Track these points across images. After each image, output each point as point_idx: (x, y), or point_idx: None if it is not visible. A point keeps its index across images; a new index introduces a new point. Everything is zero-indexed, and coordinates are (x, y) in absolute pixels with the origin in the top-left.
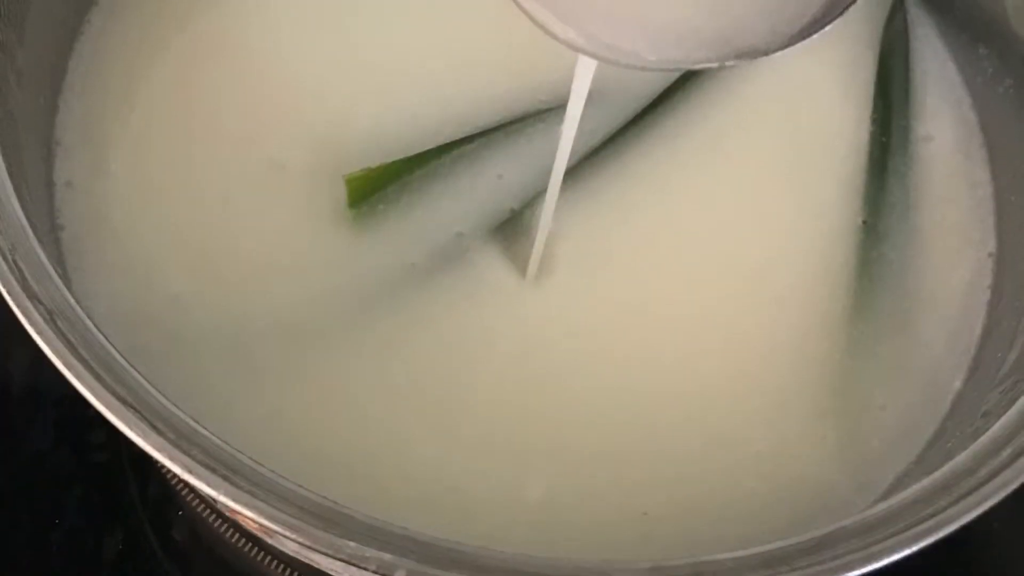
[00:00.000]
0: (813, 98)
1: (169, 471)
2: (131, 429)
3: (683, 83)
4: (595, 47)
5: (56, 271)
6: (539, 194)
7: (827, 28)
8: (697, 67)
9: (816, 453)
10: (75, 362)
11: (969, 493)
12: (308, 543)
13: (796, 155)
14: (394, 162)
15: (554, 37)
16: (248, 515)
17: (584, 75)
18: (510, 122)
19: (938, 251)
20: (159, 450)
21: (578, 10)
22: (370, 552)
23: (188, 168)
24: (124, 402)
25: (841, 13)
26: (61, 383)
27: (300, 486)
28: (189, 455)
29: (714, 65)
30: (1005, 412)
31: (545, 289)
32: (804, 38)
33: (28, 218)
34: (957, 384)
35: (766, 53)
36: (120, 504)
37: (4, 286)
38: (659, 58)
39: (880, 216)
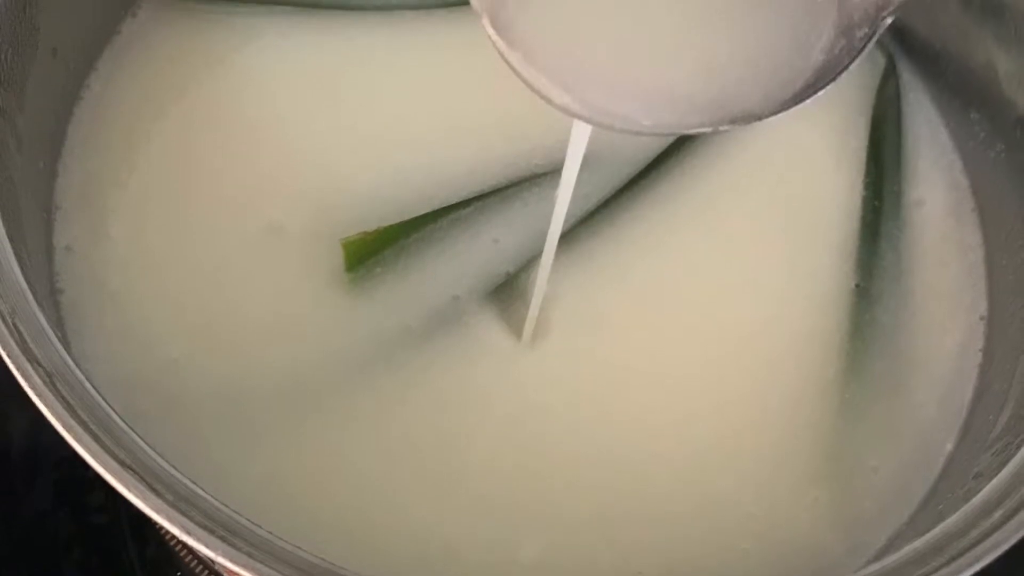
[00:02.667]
0: (806, 163)
1: (168, 532)
2: (130, 491)
3: (677, 148)
4: (590, 112)
5: (55, 334)
6: (534, 258)
7: (820, 93)
8: (691, 132)
9: (809, 515)
10: (74, 424)
11: (961, 554)
12: None
13: (789, 219)
14: (391, 226)
15: (549, 102)
16: None
17: (579, 140)
18: (505, 187)
19: (930, 314)
20: (158, 511)
21: (573, 76)
22: None
23: (186, 233)
24: (123, 464)
25: (834, 79)
26: (61, 445)
27: (297, 547)
28: (187, 516)
29: (708, 130)
30: (996, 474)
31: (540, 352)
32: (797, 103)
33: (28, 282)
34: (949, 446)
35: (760, 118)
36: (119, 565)
37: (4, 349)
38: (654, 123)
39: (873, 279)
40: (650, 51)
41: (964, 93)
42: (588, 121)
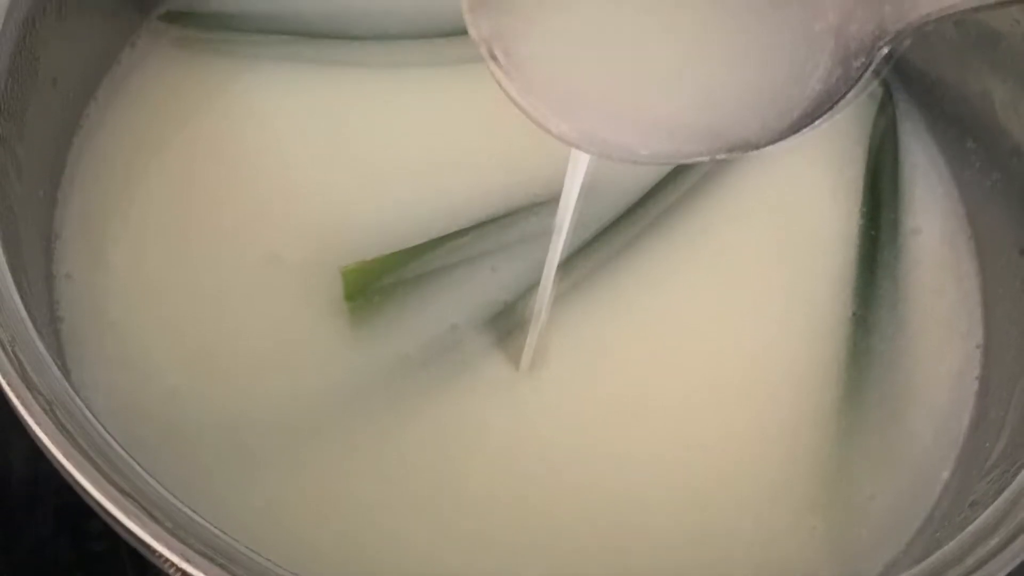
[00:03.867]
0: (804, 192)
1: (167, 560)
2: (129, 518)
3: (674, 177)
4: (587, 142)
5: (55, 362)
6: (532, 287)
7: (818, 123)
8: (689, 161)
9: (806, 543)
10: (74, 452)
11: None
12: None
13: (787, 248)
14: (390, 255)
15: (547, 132)
16: None
17: (577, 169)
18: (504, 215)
19: (927, 343)
20: (157, 539)
21: (571, 105)
22: None
23: (186, 262)
24: (122, 491)
25: (832, 108)
26: (60, 472)
27: (296, 575)
28: (187, 544)
29: (706, 159)
30: (993, 502)
31: (538, 381)
32: (795, 132)
33: (28, 310)
34: (945, 474)
35: (757, 147)
36: None
37: (4, 377)
38: (651, 152)
39: (870, 308)
40: (647, 81)
41: (960, 122)
42: (586, 150)
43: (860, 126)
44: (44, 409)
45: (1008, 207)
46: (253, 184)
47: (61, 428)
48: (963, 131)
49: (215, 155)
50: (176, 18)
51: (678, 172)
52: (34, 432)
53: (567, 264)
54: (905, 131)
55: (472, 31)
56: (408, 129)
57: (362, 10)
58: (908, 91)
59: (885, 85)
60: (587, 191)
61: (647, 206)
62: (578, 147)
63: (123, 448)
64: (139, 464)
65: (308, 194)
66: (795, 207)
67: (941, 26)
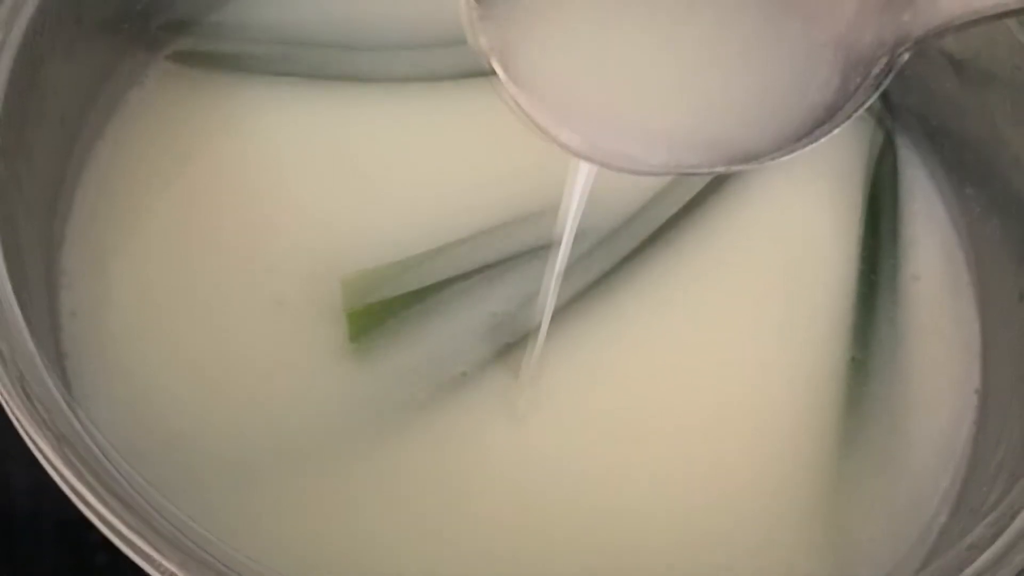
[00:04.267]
0: (804, 236)
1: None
2: (136, 554)
3: (674, 221)
4: (591, 151)
5: (63, 399)
6: (533, 329)
7: (829, 135)
8: (695, 172)
9: None
10: (81, 487)
11: None
12: None
13: (786, 291)
14: (394, 297)
15: (552, 141)
16: None
17: (578, 181)
18: (507, 258)
19: (925, 388)
20: (164, 574)
21: (576, 115)
22: None
23: (190, 302)
24: (130, 526)
25: (849, 117)
26: (65, 507)
27: None
28: (186, 553)
29: (716, 170)
30: (990, 545)
31: (538, 418)
32: (808, 144)
33: (36, 346)
34: (943, 518)
35: (771, 158)
36: None
37: (13, 412)
38: (655, 163)
39: (869, 353)
40: (650, 92)
41: (961, 168)
42: (589, 160)
43: (861, 172)
44: (52, 444)
45: (1008, 253)
46: (258, 222)
47: (69, 464)
48: (963, 177)
49: (220, 193)
50: (183, 58)
51: (678, 216)
52: (40, 466)
53: (567, 306)
54: (905, 176)
55: (477, 42)
56: (413, 170)
57: (368, 51)
58: (909, 137)
59: (886, 130)
60: (587, 234)
61: (647, 250)
62: (582, 157)
63: (131, 484)
64: (146, 499)
65: (312, 233)
66: (795, 251)
67: (942, 73)
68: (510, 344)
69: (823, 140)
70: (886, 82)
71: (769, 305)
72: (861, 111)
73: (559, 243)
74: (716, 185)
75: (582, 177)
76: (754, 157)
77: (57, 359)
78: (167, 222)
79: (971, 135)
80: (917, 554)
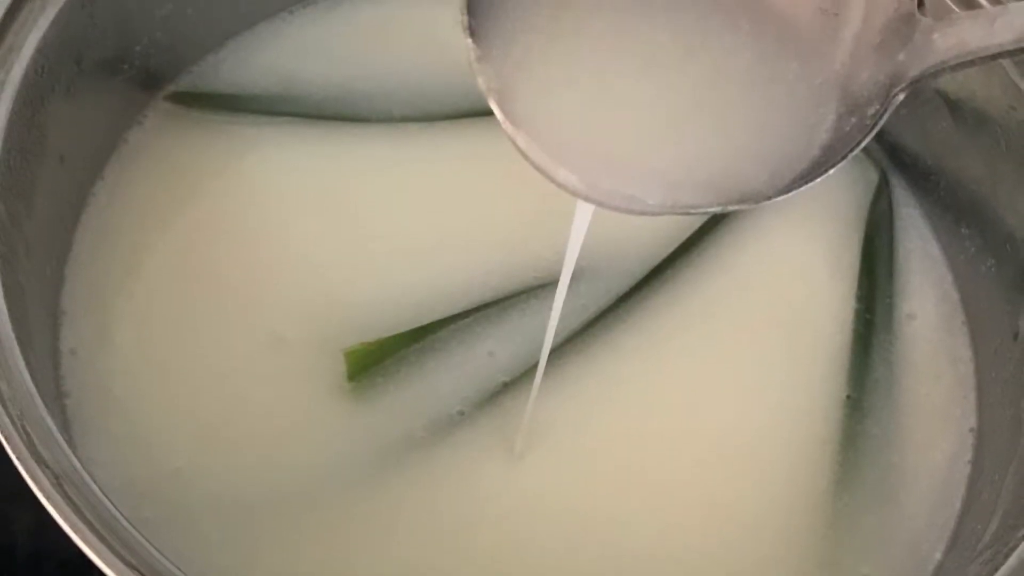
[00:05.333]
0: (800, 276)
1: None
2: None
3: (672, 261)
4: (593, 191)
5: (62, 437)
6: (530, 368)
7: (825, 175)
8: (697, 212)
9: None
10: (81, 525)
11: None
12: None
13: (783, 330)
14: (392, 337)
15: (553, 181)
16: None
17: (581, 223)
18: (503, 298)
19: (921, 426)
20: None
21: (578, 155)
22: None
23: (190, 341)
24: (129, 565)
25: (846, 156)
26: (65, 545)
27: None
28: None
29: (716, 209)
30: None
31: (535, 458)
32: (807, 183)
33: (36, 385)
34: (938, 555)
35: (768, 198)
36: None
37: (13, 451)
38: (657, 203)
39: (864, 391)
40: (651, 132)
41: (955, 208)
42: (590, 200)
43: (857, 211)
44: (51, 482)
45: (1002, 293)
46: (256, 262)
47: (68, 501)
48: (958, 217)
49: (218, 234)
50: (183, 98)
51: (675, 256)
52: (40, 504)
53: (564, 347)
54: (901, 217)
55: (481, 81)
56: (410, 210)
57: (365, 92)
58: (904, 177)
59: (882, 171)
60: (586, 274)
61: (644, 290)
62: (579, 196)
63: (128, 520)
64: (143, 536)
65: (310, 274)
66: (791, 290)
67: (937, 113)
68: (507, 383)
69: (819, 180)
70: (881, 122)
71: (765, 344)
72: (857, 151)
73: (557, 282)
74: (712, 225)
75: (580, 217)
76: (750, 197)
77: (57, 398)
78: (166, 261)
79: (966, 175)
80: None
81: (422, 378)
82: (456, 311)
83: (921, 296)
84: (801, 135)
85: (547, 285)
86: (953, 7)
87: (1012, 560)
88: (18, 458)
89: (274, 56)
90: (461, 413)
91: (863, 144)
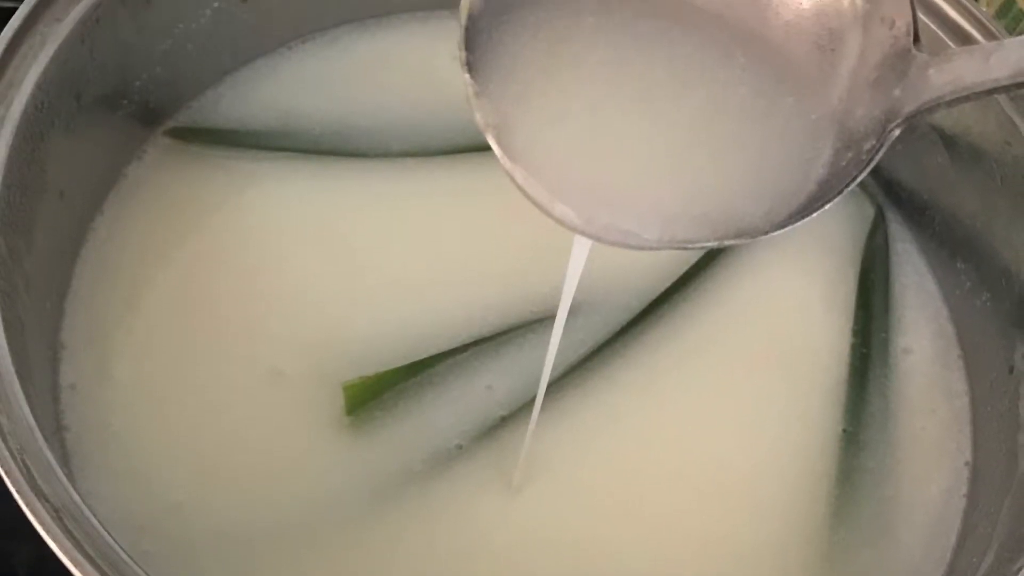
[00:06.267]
0: (797, 310)
1: None
2: None
3: (669, 295)
4: (590, 226)
5: (62, 471)
6: (528, 402)
7: (827, 206)
8: (695, 247)
9: None
10: (81, 559)
11: None
12: None
13: (779, 364)
14: (390, 371)
15: (550, 215)
16: None
17: (579, 257)
18: (501, 332)
19: (916, 460)
20: None
21: (575, 190)
22: None
23: (189, 376)
24: None
25: (842, 191)
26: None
27: None
28: None
29: (713, 244)
30: None
31: (532, 492)
32: (803, 218)
33: (36, 419)
34: None
35: (765, 232)
36: None
37: (13, 484)
38: (655, 237)
39: (861, 425)
40: (648, 167)
41: (951, 243)
42: (588, 235)
43: (853, 246)
44: (52, 516)
45: (997, 327)
46: (255, 296)
47: (68, 535)
48: (953, 252)
49: (217, 268)
50: (182, 134)
51: (672, 290)
52: (40, 538)
53: (562, 381)
54: (896, 251)
55: (479, 117)
56: (408, 245)
57: (363, 127)
58: (900, 212)
59: (878, 207)
60: (583, 308)
61: (641, 324)
62: (577, 231)
63: (128, 554)
64: (143, 569)
65: (308, 308)
66: (788, 324)
67: (932, 148)
68: (505, 417)
69: (815, 215)
70: (877, 157)
71: (761, 377)
72: (853, 186)
73: (554, 317)
74: (709, 259)
75: (577, 251)
76: (747, 232)
77: (56, 432)
78: (165, 296)
79: (962, 210)
80: None
81: (420, 412)
82: (454, 345)
83: (917, 330)
84: (797, 170)
85: (544, 319)
86: (949, 43)
87: None
88: (18, 492)
89: (273, 91)
90: (459, 447)
91: (859, 179)
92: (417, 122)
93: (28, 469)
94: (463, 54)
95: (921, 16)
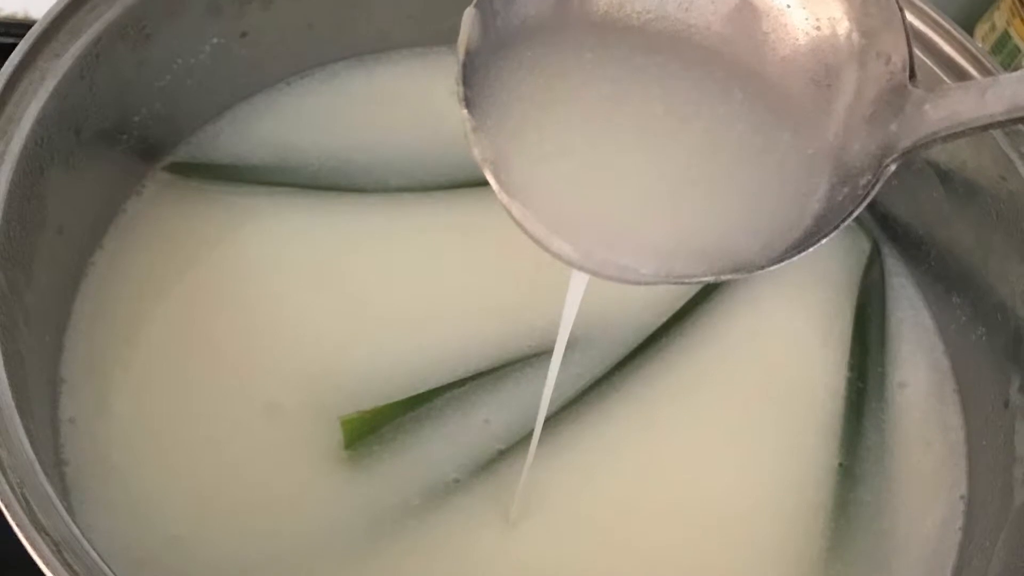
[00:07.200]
0: (793, 344)
1: None
2: None
3: (666, 329)
4: (587, 261)
5: (62, 505)
6: (525, 436)
7: (824, 241)
8: (692, 282)
9: None
10: None
11: None
12: None
13: (775, 398)
14: (388, 405)
15: (548, 250)
16: None
17: (576, 292)
18: (499, 366)
19: (912, 494)
20: None
21: (572, 225)
22: None
23: (187, 410)
24: None
25: (838, 227)
26: None
27: None
28: None
29: (710, 279)
30: None
31: (529, 526)
32: (800, 252)
33: (36, 453)
34: None
35: (762, 267)
36: None
37: (13, 518)
38: (652, 272)
39: (856, 459)
40: (645, 203)
41: (946, 278)
42: (585, 270)
43: (849, 280)
44: (51, 549)
45: (992, 361)
46: (253, 330)
47: (68, 569)
48: (949, 286)
49: (216, 303)
50: (181, 169)
51: (668, 325)
52: (41, 572)
53: (559, 415)
54: (892, 286)
55: (476, 152)
56: (406, 280)
57: (361, 162)
58: (896, 246)
59: (873, 241)
60: (580, 343)
61: (638, 358)
62: (574, 266)
63: None
64: None
65: (307, 342)
66: (784, 358)
67: (928, 183)
68: (502, 451)
69: (811, 250)
70: (873, 192)
71: (758, 411)
72: (849, 221)
73: (551, 351)
74: (706, 294)
75: (575, 286)
76: (744, 266)
77: (56, 465)
78: (164, 330)
79: (957, 245)
80: None
81: (418, 446)
82: (452, 379)
83: (912, 364)
84: (794, 205)
85: (542, 354)
86: (944, 79)
87: None
88: (18, 526)
89: (271, 126)
90: (457, 480)
91: (855, 214)
92: (415, 157)
93: (28, 503)
94: (461, 89)
95: (917, 52)
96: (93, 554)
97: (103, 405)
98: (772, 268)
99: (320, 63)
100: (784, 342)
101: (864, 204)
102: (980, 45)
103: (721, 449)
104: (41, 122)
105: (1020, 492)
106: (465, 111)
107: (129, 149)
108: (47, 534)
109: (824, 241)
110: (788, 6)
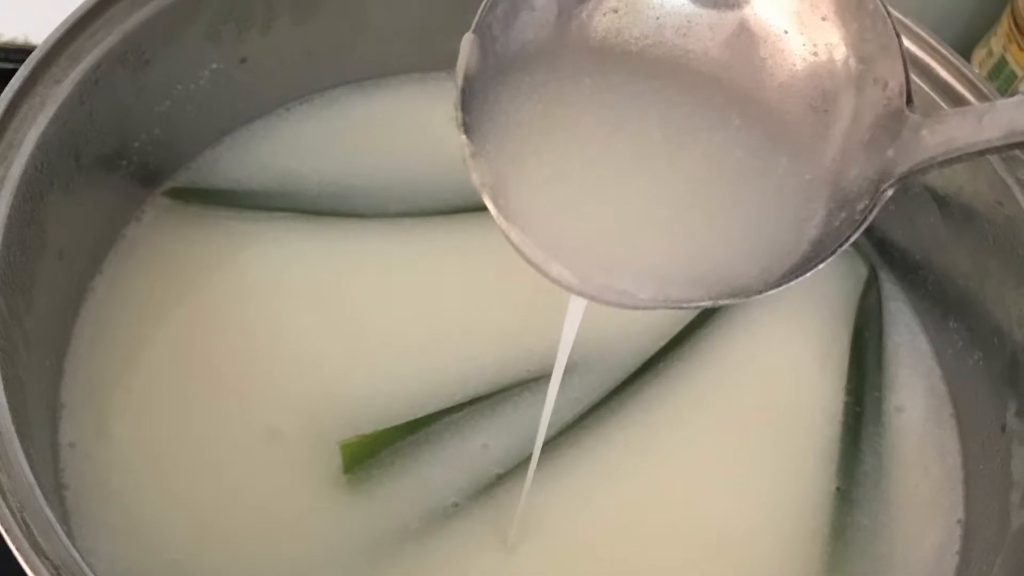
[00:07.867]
0: (790, 369)
1: None
2: None
3: (664, 354)
4: (585, 285)
5: (62, 529)
6: (524, 460)
7: (821, 266)
8: (689, 307)
9: None
10: None
11: None
12: None
13: (773, 423)
14: (387, 429)
15: (546, 275)
16: None
17: (575, 317)
18: (498, 391)
19: (909, 518)
20: None
21: (570, 250)
22: None
23: (187, 435)
24: None
25: (836, 251)
26: None
27: None
28: None
29: (707, 304)
30: None
31: (528, 550)
32: (797, 277)
33: (36, 477)
34: None
35: (759, 292)
36: None
37: (13, 542)
38: (650, 297)
39: (854, 484)
40: (643, 228)
41: (943, 303)
42: (583, 295)
43: (846, 305)
44: (52, 574)
45: (989, 386)
46: (253, 355)
47: None
48: (946, 311)
49: (215, 328)
50: (180, 194)
51: (667, 349)
52: None
53: (558, 439)
54: (889, 310)
55: (474, 177)
56: (405, 304)
57: (360, 187)
58: (893, 271)
59: (871, 266)
60: (579, 367)
61: (636, 382)
62: (572, 291)
63: None
64: None
65: (306, 367)
66: (782, 383)
67: (925, 208)
68: (501, 475)
69: (809, 274)
70: (870, 217)
71: (755, 436)
72: (846, 246)
73: (550, 376)
74: (703, 318)
75: (573, 311)
76: (741, 291)
77: (56, 490)
78: (164, 355)
79: (954, 269)
80: None
81: (417, 470)
82: (450, 404)
83: (909, 389)
84: (791, 230)
85: (540, 378)
86: (942, 104)
87: None
88: (18, 550)
89: (271, 152)
90: (455, 504)
91: (853, 239)
92: (414, 182)
93: (28, 527)
94: (459, 115)
95: (914, 77)
96: None
97: (103, 429)
98: (770, 293)
99: (319, 88)
100: (781, 366)
101: (861, 229)
102: (977, 71)
103: (719, 473)
104: (41, 147)
105: (1017, 516)
106: (464, 136)
107: (129, 174)
108: (47, 558)
109: (822, 266)
110: (786, 32)
